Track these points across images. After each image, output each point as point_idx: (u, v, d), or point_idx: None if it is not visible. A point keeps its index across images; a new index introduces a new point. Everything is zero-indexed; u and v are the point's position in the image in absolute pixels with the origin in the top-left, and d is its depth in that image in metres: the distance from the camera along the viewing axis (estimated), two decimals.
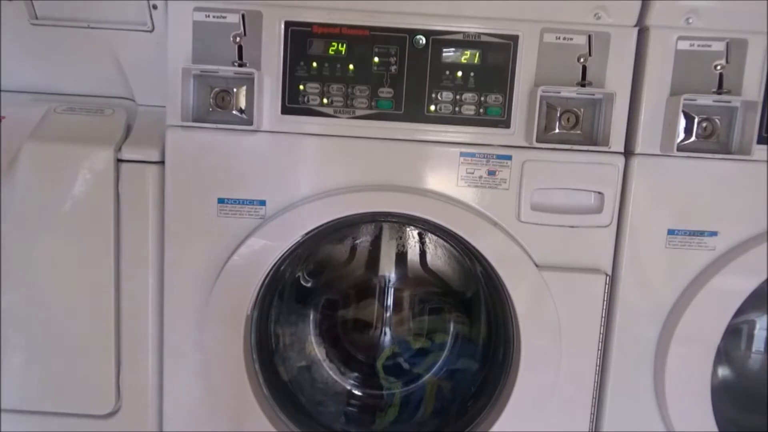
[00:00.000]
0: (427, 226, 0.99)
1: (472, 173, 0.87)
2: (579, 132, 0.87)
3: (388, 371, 1.13)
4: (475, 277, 1.06)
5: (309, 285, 1.13)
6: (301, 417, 1.01)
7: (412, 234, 1.11)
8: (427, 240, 1.11)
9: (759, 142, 0.85)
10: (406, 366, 1.14)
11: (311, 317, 1.13)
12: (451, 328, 1.14)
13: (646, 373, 0.91)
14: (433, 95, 0.87)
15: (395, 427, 1.09)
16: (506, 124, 0.87)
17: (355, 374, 1.13)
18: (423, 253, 1.13)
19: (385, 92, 0.87)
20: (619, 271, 0.90)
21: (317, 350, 1.13)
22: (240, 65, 0.85)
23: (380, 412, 1.10)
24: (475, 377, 1.07)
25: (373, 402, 1.12)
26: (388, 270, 1.13)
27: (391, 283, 1.13)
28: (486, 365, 1.06)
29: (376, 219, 1.05)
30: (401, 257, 1.13)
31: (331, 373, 1.13)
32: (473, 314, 1.12)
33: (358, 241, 1.12)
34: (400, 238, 1.12)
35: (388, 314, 1.14)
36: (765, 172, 0.87)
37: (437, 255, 1.12)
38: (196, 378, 0.92)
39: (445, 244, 1.09)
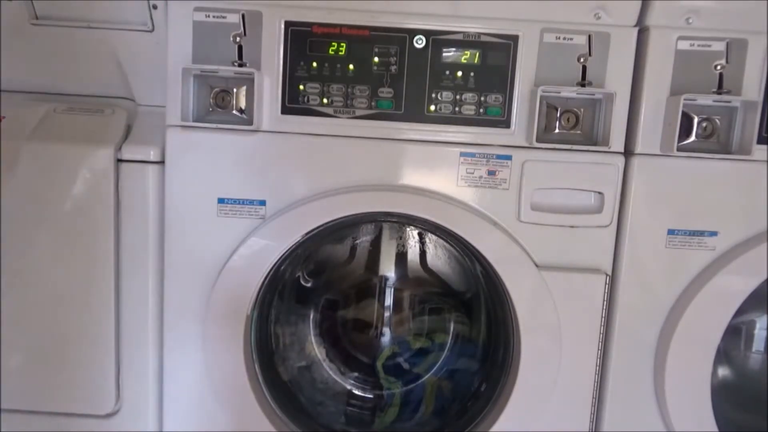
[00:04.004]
0: (427, 226, 0.99)
1: (472, 173, 0.87)
2: (579, 132, 0.87)
3: (388, 371, 1.13)
4: (475, 277, 1.06)
5: (309, 285, 1.13)
6: (301, 417, 1.01)
7: (412, 234, 1.11)
8: (427, 240, 1.11)
9: (759, 142, 0.85)
10: (406, 366, 1.14)
11: (311, 317, 1.13)
12: (451, 328, 1.14)
13: (646, 373, 0.91)
14: (433, 95, 0.87)
15: (395, 426, 1.09)
16: (506, 124, 0.87)
17: (355, 374, 1.13)
18: (423, 253, 1.13)
19: (385, 92, 0.87)
20: (619, 271, 0.90)
21: (317, 350, 1.13)
22: (240, 65, 0.85)
23: (380, 412, 1.10)
24: (475, 377, 1.07)
25: (373, 402, 1.12)
26: (388, 270, 1.13)
27: (391, 283, 1.13)
28: (486, 365, 1.06)
29: (376, 219, 1.05)
30: (401, 257, 1.13)
31: (331, 373, 1.13)
32: (473, 314, 1.12)
33: (358, 241, 1.12)
34: (400, 238, 1.12)
35: (387, 314, 1.14)
36: (765, 172, 0.87)
37: (437, 255, 1.12)
38: (196, 378, 0.92)
39: (445, 244, 1.09)
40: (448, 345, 1.14)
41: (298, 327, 1.12)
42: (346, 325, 1.15)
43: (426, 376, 1.13)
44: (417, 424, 1.08)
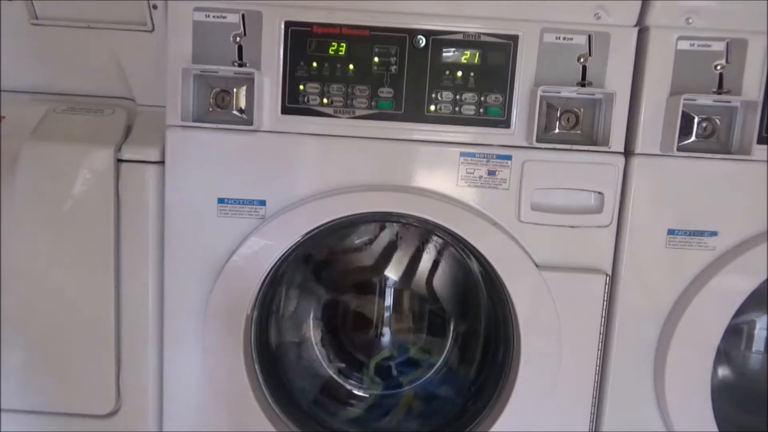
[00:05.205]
0: (427, 227, 0.98)
1: (472, 173, 0.87)
2: (579, 132, 0.87)
3: (376, 372, 1.13)
4: (477, 282, 1.06)
5: (316, 273, 1.12)
6: (301, 417, 1.01)
7: (413, 234, 1.11)
8: (428, 240, 1.11)
9: (759, 142, 0.85)
10: (394, 373, 1.14)
11: (314, 305, 1.13)
12: (446, 348, 1.13)
13: (646, 373, 0.91)
14: (433, 95, 0.87)
15: (395, 426, 1.09)
16: (506, 124, 0.87)
17: (342, 365, 1.13)
18: (422, 253, 1.13)
19: (385, 92, 0.87)
20: (619, 271, 0.89)
21: (312, 333, 1.13)
22: (240, 65, 0.85)
23: (349, 406, 1.10)
24: (475, 378, 1.07)
25: (346, 394, 1.11)
26: (387, 271, 1.13)
27: (391, 283, 1.13)
28: (486, 365, 1.06)
29: (377, 219, 1.05)
30: (401, 258, 1.12)
31: (319, 356, 1.12)
32: (468, 346, 1.12)
33: (358, 241, 1.11)
34: (401, 238, 1.12)
35: (387, 314, 1.14)
36: (765, 172, 0.87)
37: (438, 256, 1.12)
38: (196, 378, 0.92)
39: (445, 244, 1.08)
40: (436, 367, 1.13)
41: (301, 305, 1.12)
42: (346, 319, 1.15)
43: (405, 389, 1.12)
44: (417, 424, 1.08)
